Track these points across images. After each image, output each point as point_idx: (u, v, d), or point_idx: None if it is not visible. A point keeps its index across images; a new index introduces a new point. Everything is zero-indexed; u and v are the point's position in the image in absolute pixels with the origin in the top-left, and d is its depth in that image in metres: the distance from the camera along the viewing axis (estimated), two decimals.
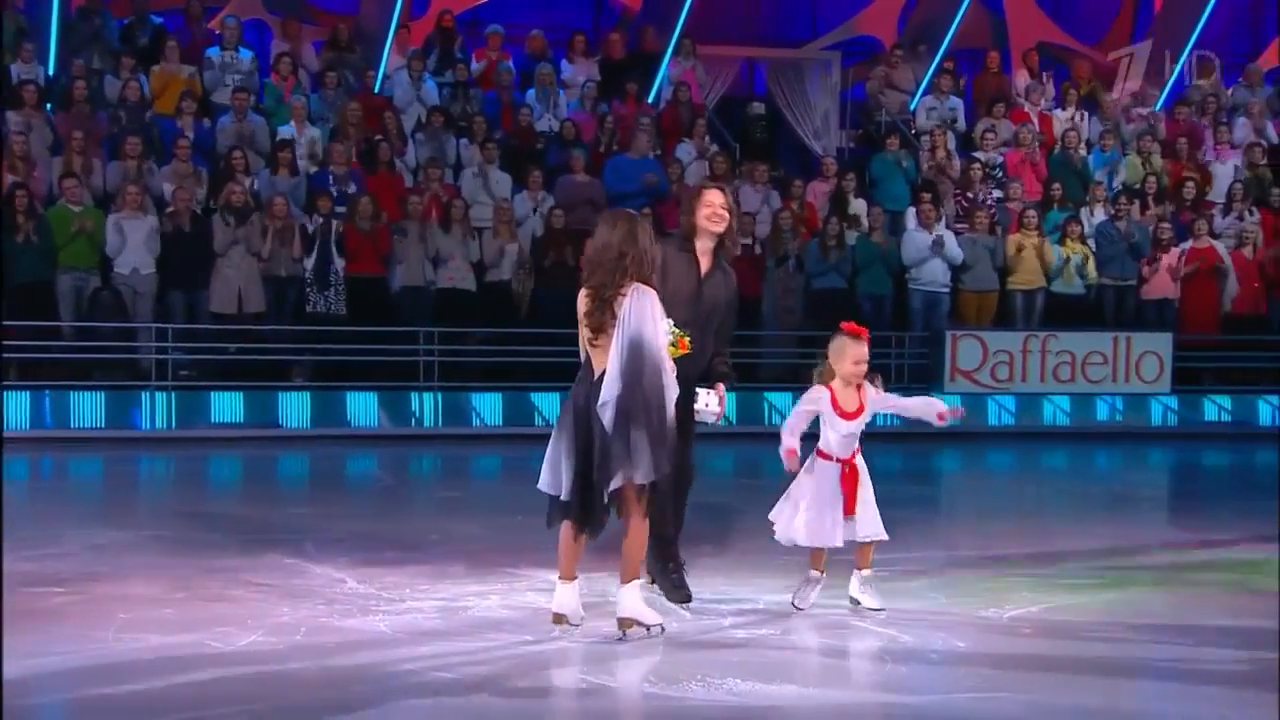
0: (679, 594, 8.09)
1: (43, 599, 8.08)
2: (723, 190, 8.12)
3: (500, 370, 17.07)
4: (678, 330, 7.37)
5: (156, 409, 16.14)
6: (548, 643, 7.25)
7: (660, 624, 7.37)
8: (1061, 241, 18.46)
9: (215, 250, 16.55)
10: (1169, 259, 18.59)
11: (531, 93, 19.84)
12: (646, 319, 7.03)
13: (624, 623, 7.28)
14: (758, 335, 17.84)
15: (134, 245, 16.41)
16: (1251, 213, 19.67)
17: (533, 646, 7.21)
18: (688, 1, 20.47)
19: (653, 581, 8.10)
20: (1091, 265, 18.49)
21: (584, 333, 7.22)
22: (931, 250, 17.93)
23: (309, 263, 16.78)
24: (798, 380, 18.06)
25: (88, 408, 16.04)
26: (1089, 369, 17.92)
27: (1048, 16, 23.65)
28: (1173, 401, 18.36)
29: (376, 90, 19.54)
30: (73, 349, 16.30)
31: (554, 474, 7.26)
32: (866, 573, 8.05)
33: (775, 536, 8.03)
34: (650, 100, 20.46)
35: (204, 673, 6.64)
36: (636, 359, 7.01)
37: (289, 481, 14.93)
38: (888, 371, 17.59)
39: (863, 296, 17.78)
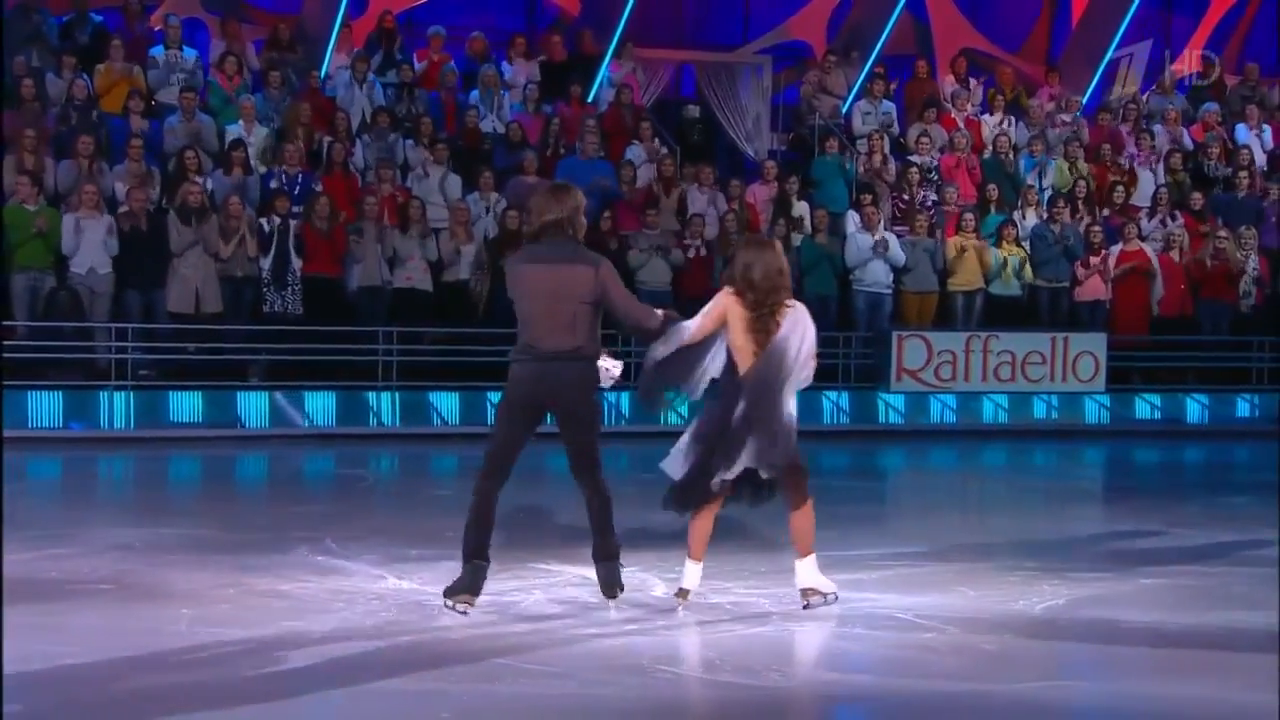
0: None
1: (95, 594, 8.20)
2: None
3: (457, 370, 17.20)
4: None
5: (115, 409, 16.10)
6: (615, 636, 7.52)
7: (835, 592, 8.13)
8: (998, 244, 18.95)
9: (172, 250, 16.55)
10: (1101, 261, 19.13)
11: (475, 94, 19.98)
12: (810, 333, 8.02)
13: (806, 593, 8.07)
14: None
15: (91, 245, 16.35)
16: (1175, 217, 20.27)
17: (601, 639, 7.45)
18: (628, 5, 20.73)
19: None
20: (1028, 267, 18.99)
21: (737, 338, 7.92)
22: (875, 252, 18.33)
23: (266, 263, 16.82)
24: None
25: (45, 408, 15.98)
26: (1028, 368, 18.40)
27: (970, 24, 24.16)
28: (1106, 400, 18.89)
29: (323, 91, 19.57)
30: (29, 349, 16.21)
31: (686, 462, 7.97)
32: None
33: None
34: (589, 101, 20.67)
35: (297, 663, 6.82)
36: (794, 364, 7.93)
37: (275, 480, 15.02)
38: (834, 371, 17.99)
39: (809, 297, 18.05)
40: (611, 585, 8.04)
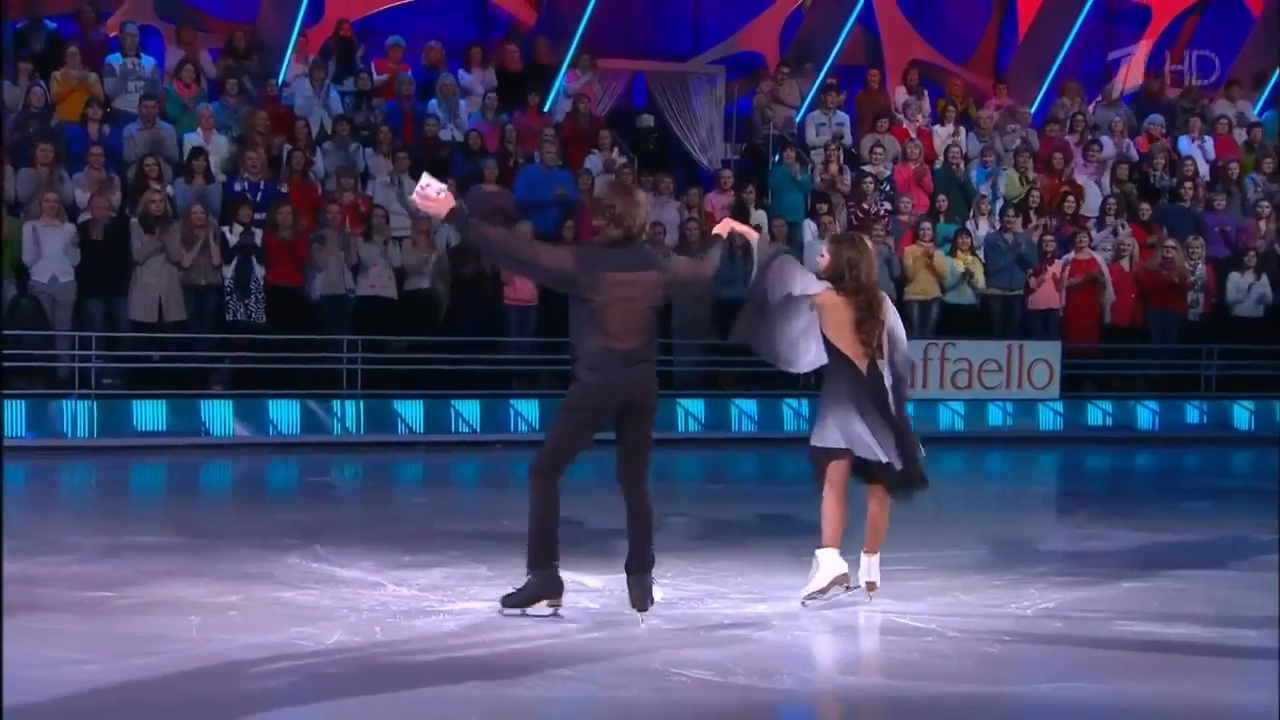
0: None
1: (97, 602, 8.21)
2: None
3: (421, 378, 17.25)
4: None
5: (79, 418, 16.05)
6: (620, 641, 7.58)
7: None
8: (952, 253, 19.19)
9: (135, 259, 16.53)
10: (1054, 270, 19.41)
11: (434, 102, 20.03)
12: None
13: (870, 585, 8.55)
14: (668, 344, 18.22)
15: (52, 254, 16.32)
16: (1124, 227, 20.60)
17: (608, 645, 7.53)
18: (586, 15, 20.85)
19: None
20: (981, 276, 19.23)
21: (849, 334, 8.23)
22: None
23: (229, 271, 16.82)
24: (709, 387, 18.58)
25: (8, 417, 15.89)
26: (984, 376, 18.66)
27: (919, 35, 24.43)
28: (1060, 406, 19.17)
29: (280, 99, 19.57)
30: None
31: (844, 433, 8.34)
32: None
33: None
34: (546, 111, 20.77)
35: (316, 668, 6.87)
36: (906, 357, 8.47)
37: (249, 488, 15.01)
38: (794, 378, 18.09)
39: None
40: (644, 598, 8.08)
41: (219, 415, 16.60)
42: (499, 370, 17.60)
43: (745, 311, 8.45)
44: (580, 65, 21.12)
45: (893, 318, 8.46)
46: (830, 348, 8.35)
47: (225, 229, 16.94)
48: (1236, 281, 20.27)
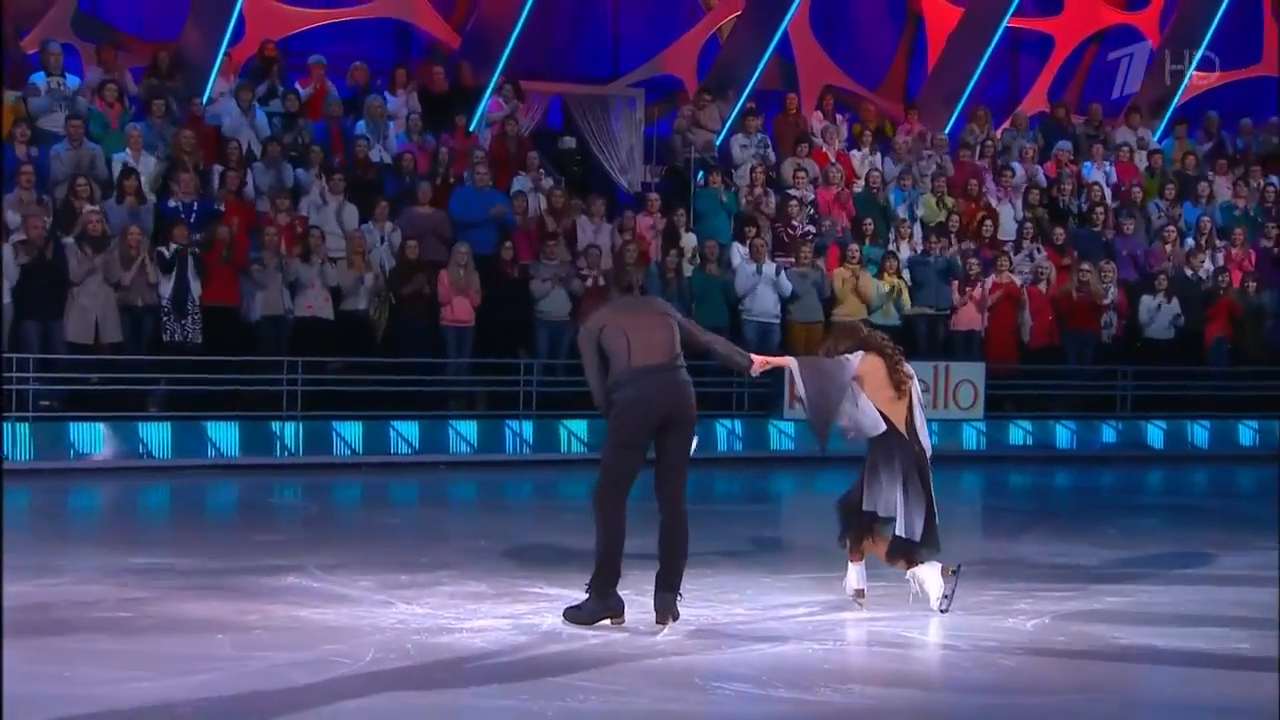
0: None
1: (121, 622, 8.22)
2: None
3: (360, 399, 17.23)
4: None
5: (19, 440, 15.85)
6: (651, 655, 7.73)
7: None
8: (880, 275, 19.51)
9: (71, 279, 16.36)
10: (975, 292, 19.81)
11: (361, 124, 20.01)
12: None
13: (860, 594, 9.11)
14: None
15: None
16: (1040, 250, 21.06)
17: (641, 658, 7.66)
18: (513, 37, 20.94)
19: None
20: (907, 296, 19.58)
21: (886, 393, 8.87)
22: (767, 281, 18.76)
23: (166, 291, 16.70)
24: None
25: None
26: None
27: (833, 61, 24.80)
28: (983, 426, 19.56)
29: (205, 119, 19.45)
30: None
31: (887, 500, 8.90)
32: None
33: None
34: (471, 131, 20.82)
35: (365, 684, 6.94)
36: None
37: (198, 509, 14.94)
38: (729, 399, 18.40)
39: (704, 327, 18.41)
40: (668, 613, 8.24)
41: (158, 437, 16.46)
42: (438, 391, 17.64)
43: (817, 416, 8.88)
44: (504, 93, 21.18)
45: (911, 371, 9.10)
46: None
47: (162, 249, 16.81)
48: (1148, 304, 20.80)
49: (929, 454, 9.06)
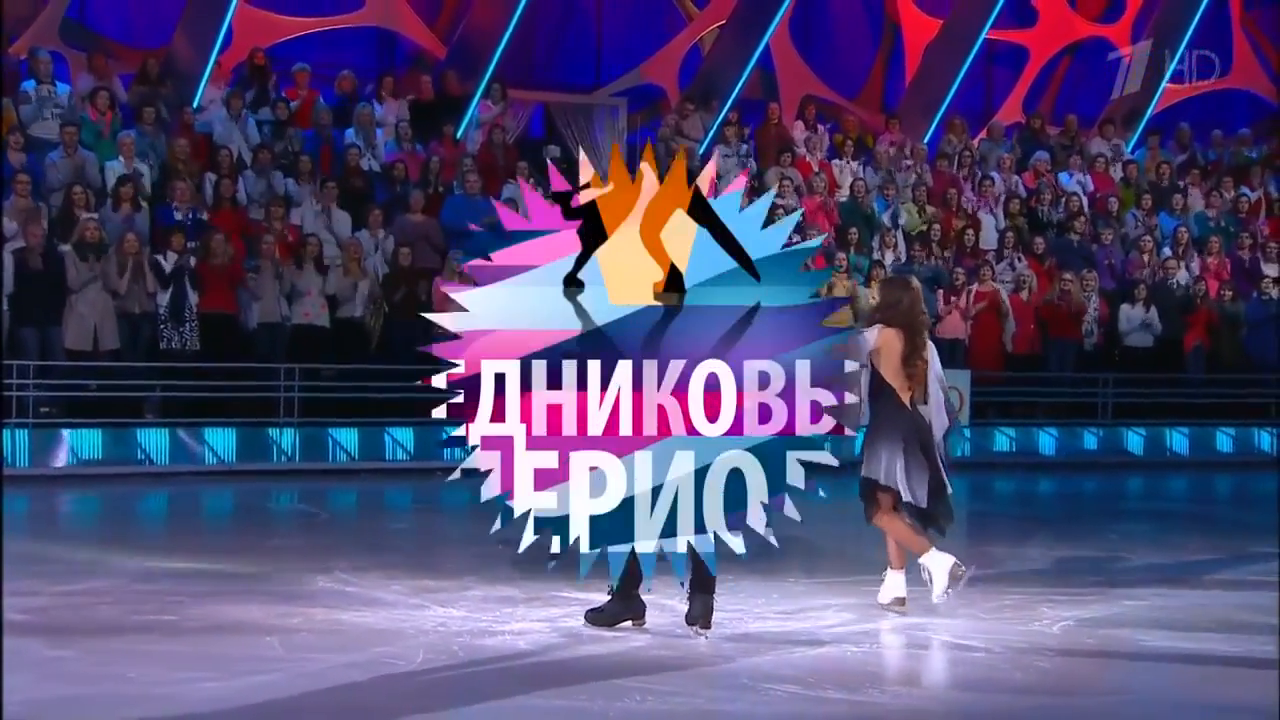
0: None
1: (166, 626, 8.30)
2: None
3: (355, 405, 17.32)
4: None
5: (18, 446, 15.88)
6: (694, 656, 7.87)
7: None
8: (867, 284, 19.71)
9: (70, 287, 16.41)
10: (960, 301, 20.04)
11: (351, 132, 20.10)
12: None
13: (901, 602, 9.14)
14: None
15: None
16: (1021, 259, 21.32)
17: (686, 660, 7.80)
18: (501, 46, 21.09)
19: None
20: None
21: (893, 370, 8.88)
22: None
23: (164, 299, 16.76)
24: None
25: None
26: None
27: (812, 71, 25.03)
28: (969, 433, 19.76)
29: (195, 127, 19.50)
30: None
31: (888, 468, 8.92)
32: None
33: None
34: (460, 139, 20.94)
35: (424, 686, 7.07)
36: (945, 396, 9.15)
37: (198, 514, 14.98)
38: None
39: None
40: (705, 616, 8.35)
41: (155, 443, 16.52)
42: (434, 398, 17.66)
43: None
44: (492, 95, 21.32)
45: (934, 358, 9.11)
46: (880, 380, 8.92)
47: (159, 256, 16.88)
48: (1127, 313, 21.09)
49: (937, 436, 9.05)
